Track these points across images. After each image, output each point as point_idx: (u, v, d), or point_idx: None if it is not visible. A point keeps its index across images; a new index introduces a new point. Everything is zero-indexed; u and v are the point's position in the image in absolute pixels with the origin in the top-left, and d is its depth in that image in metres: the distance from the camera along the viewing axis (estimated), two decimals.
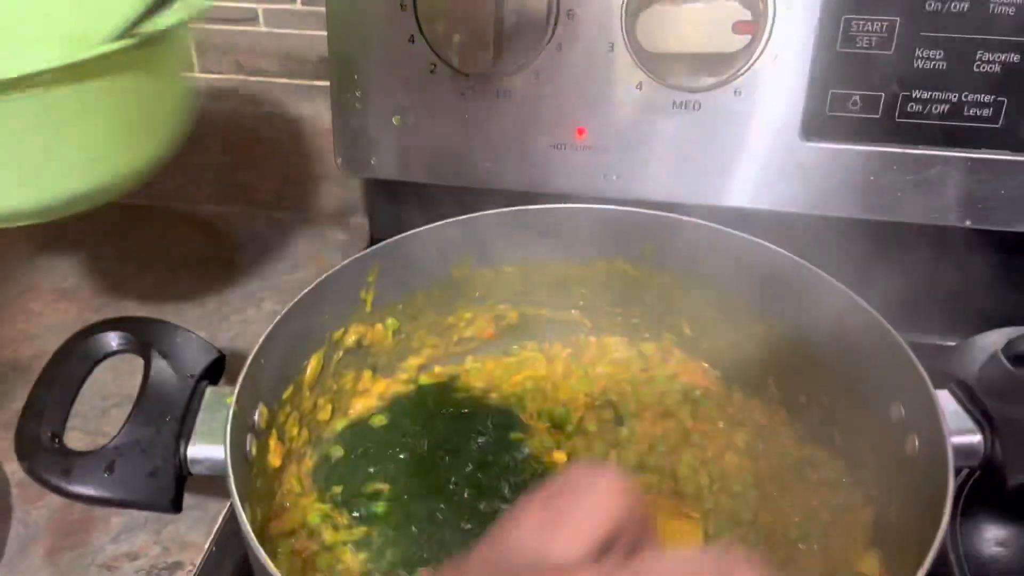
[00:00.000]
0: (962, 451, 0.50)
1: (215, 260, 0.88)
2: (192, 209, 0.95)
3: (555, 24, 0.62)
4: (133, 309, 0.81)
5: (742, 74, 0.61)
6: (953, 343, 0.57)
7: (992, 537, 0.59)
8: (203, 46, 0.88)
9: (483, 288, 0.67)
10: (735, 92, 0.62)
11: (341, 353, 0.62)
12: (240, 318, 0.80)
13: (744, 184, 0.64)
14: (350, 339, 0.62)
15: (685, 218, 0.62)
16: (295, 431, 0.59)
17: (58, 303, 0.83)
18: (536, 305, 0.69)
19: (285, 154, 0.90)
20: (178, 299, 0.83)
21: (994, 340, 0.54)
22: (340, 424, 0.63)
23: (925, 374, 0.50)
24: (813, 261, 0.58)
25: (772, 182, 0.64)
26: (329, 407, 0.62)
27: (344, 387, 0.63)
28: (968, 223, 0.63)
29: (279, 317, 0.54)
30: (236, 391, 0.50)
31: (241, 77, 0.89)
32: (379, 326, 0.64)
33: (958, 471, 0.51)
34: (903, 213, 0.63)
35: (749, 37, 0.57)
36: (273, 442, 0.55)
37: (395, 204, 0.76)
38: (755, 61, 0.61)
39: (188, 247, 0.90)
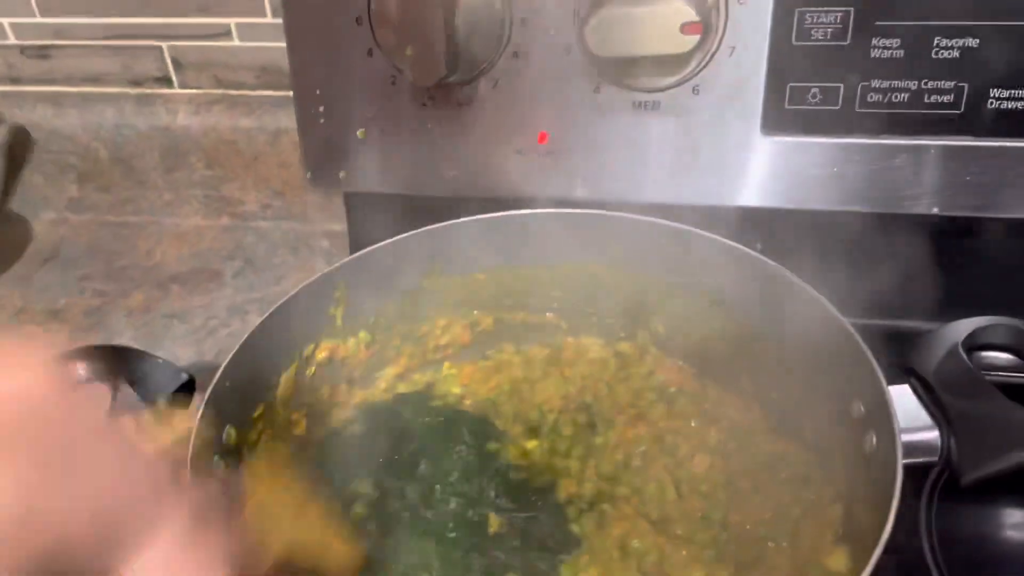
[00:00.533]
0: (920, 448, 0.50)
1: (202, 274, 0.89)
2: (180, 224, 0.96)
3: (509, 32, 0.62)
4: (122, 329, 0.82)
5: (699, 72, 0.61)
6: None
7: (966, 525, 0.59)
8: (180, 63, 0.89)
9: (456, 295, 0.67)
10: (693, 90, 0.62)
11: (314, 369, 0.62)
12: (227, 331, 0.81)
13: (708, 182, 0.64)
14: (321, 355, 0.63)
15: (649, 219, 0.62)
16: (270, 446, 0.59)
17: (51, 323, 0.84)
18: (511, 309, 0.69)
19: (268, 165, 0.91)
20: (167, 315, 0.84)
21: (957, 332, 0.54)
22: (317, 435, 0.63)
23: (879, 371, 0.49)
24: (779, 255, 0.58)
25: (735, 178, 0.64)
26: (303, 422, 0.62)
27: (320, 400, 0.64)
28: (936, 210, 0.62)
29: (241, 342, 0.54)
30: (198, 417, 0.50)
31: (220, 91, 0.90)
32: (351, 340, 0.64)
33: (924, 467, 0.51)
34: (868, 203, 0.63)
35: (698, 37, 0.57)
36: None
37: (371, 214, 0.76)
38: (711, 58, 0.60)
39: (176, 262, 0.91)
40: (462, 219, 0.62)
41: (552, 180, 0.66)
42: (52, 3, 0.89)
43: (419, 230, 0.62)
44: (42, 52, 0.92)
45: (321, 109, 0.68)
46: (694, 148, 0.63)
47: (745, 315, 0.61)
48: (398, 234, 0.62)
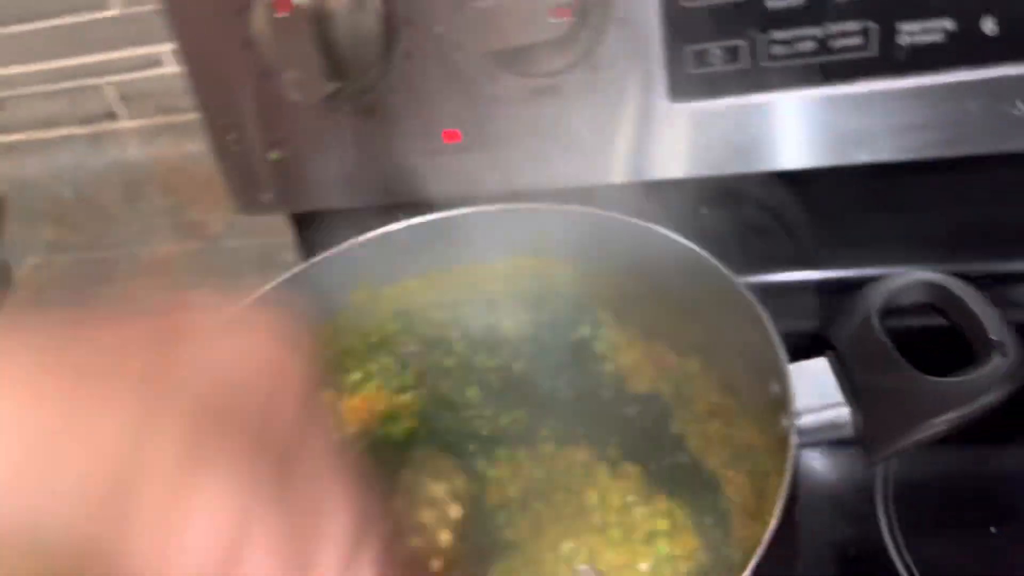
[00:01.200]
0: (834, 425, 0.48)
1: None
2: (153, 251, 0.97)
3: (397, 34, 0.60)
4: None
5: (593, 49, 0.58)
6: None
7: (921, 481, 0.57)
8: (125, 95, 0.89)
9: (392, 304, 0.66)
10: (591, 68, 0.59)
11: None
12: None
13: (621, 158, 0.61)
14: None
15: (567, 207, 0.60)
16: None
17: None
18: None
19: (222, 185, 0.90)
20: None
21: (873, 297, 0.51)
22: None
23: (780, 347, 0.47)
24: (699, 226, 0.56)
25: (651, 151, 0.61)
26: None
27: None
28: (863, 158, 0.59)
29: None
30: None
31: (164, 119, 0.90)
32: None
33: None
34: (787, 160, 0.59)
35: (568, 20, 0.54)
36: None
37: (311, 231, 0.76)
38: (602, 34, 0.57)
39: (149, 290, 0.92)
40: (365, 235, 0.61)
41: (469, 176, 0.65)
42: None
43: (328, 252, 0.61)
44: None
45: (233, 136, 0.67)
46: (603, 126, 0.61)
47: (677, 297, 0.59)
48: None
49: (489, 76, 0.60)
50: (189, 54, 0.64)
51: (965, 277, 0.50)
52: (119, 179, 0.92)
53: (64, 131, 0.94)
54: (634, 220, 0.57)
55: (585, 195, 0.61)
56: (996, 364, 0.44)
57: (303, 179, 0.68)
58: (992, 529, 0.55)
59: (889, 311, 0.51)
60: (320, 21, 0.56)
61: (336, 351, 0.65)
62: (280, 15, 0.56)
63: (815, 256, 0.70)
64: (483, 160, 0.64)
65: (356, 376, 0.65)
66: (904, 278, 0.51)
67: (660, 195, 0.61)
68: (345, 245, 0.60)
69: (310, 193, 0.68)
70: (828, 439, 0.48)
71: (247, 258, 0.92)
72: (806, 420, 0.48)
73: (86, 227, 0.97)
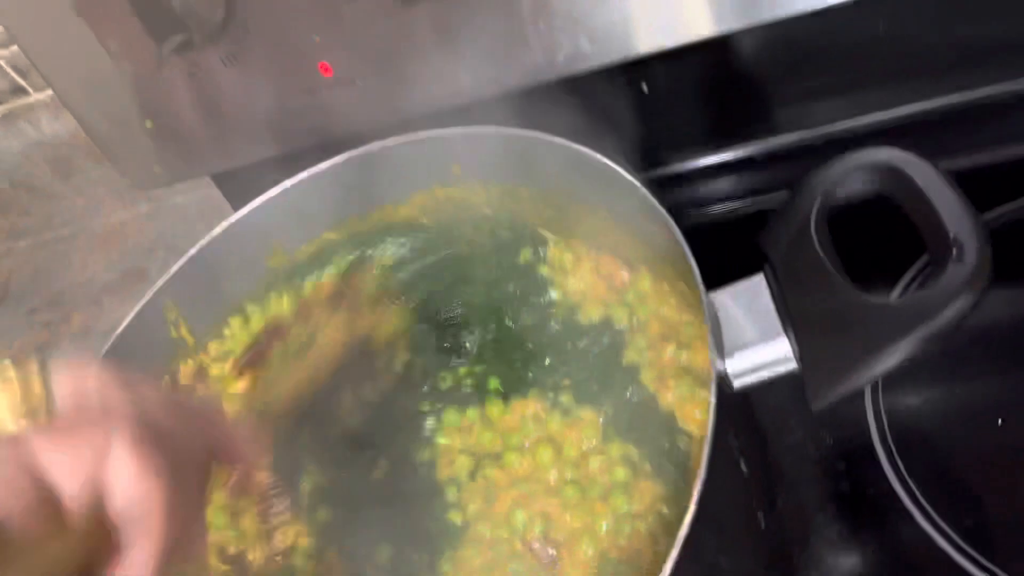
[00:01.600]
0: (777, 360, 0.41)
1: (130, 277, 0.86)
2: (106, 221, 0.92)
3: None
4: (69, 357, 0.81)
5: None
6: None
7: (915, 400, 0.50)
8: (21, 70, 0.83)
9: (315, 261, 0.60)
10: None
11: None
12: None
13: (512, 61, 0.53)
14: (187, 378, 0.58)
15: (478, 129, 0.52)
16: None
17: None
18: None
19: None
20: (104, 333, 0.81)
21: (810, 197, 0.42)
22: None
23: (697, 273, 0.40)
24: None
25: (529, 50, 0.52)
26: None
27: None
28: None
29: None
30: None
31: None
32: (213, 343, 0.59)
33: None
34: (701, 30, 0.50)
35: None
36: None
37: (235, 185, 0.69)
38: None
39: (106, 270, 0.89)
40: (263, 197, 0.55)
41: (355, 106, 0.57)
42: None
43: (232, 218, 0.56)
44: None
45: (101, 113, 0.60)
46: (490, 27, 0.52)
47: (602, 209, 0.51)
48: None
49: None
50: (15, 27, 0.57)
51: None
52: (43, 158, 0.87)
53: None
54: (541, 134, 0.49)
55: (482, 108, 0.53)
56: (951, 273, 0.36)
57: (185, 143, 0.61)
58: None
59: (838, 207, 0.42)
60: None
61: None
62: None
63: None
64: (365, 88, 0.56)
65: None
66: (845, 162, 0.42)
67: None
68: (224, 225, 0.55)
69: (198, 159, 0.61)
70: (769, 377, 0.41)
71: (196, 213, 0.87)
72: (739, 360, 0.41)
73: (33, 211, 0.93)
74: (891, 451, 0.48)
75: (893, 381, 0.51)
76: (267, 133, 0.60)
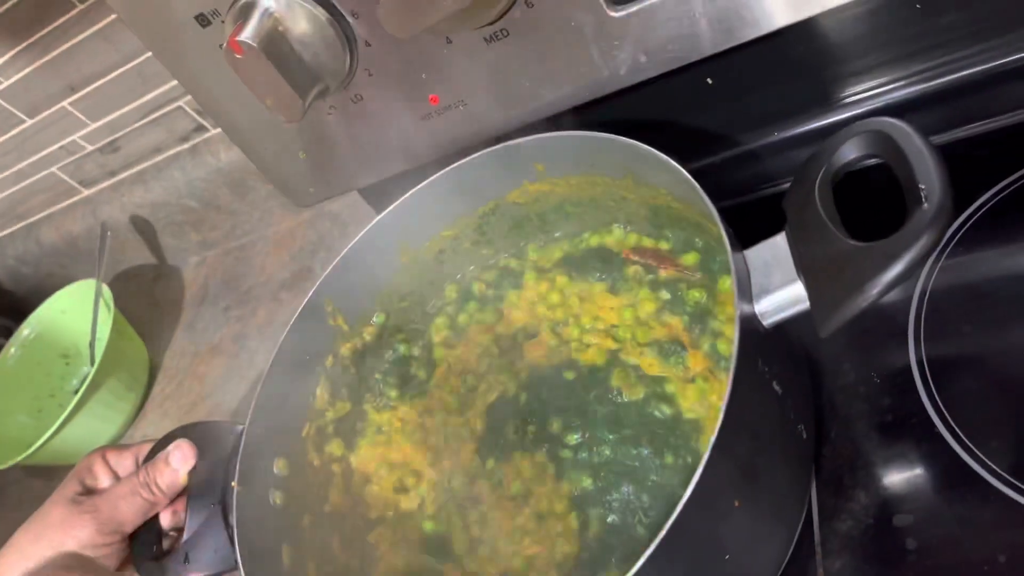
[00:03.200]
0: (795, 299, 0.49)
1: (300, 275, 1.01)
2: (276, 230, 1.08)
3: (352, 31, 0.64)
4: (256, 346, 0.97)
5: None
6: None
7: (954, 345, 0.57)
8: (198, 109, 0.99)
9: (445, 260, 0.74)
10: (527, 4, 0.60)
11: (348, 365, 0.71)
12: None
13: (588, 76, 0.63)
14: (345, 358, 0.71)
15: (566, 133, 0.63)
16: (335, 446, 0.70)
17: (213, 359, 1.01)
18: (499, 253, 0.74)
19: None
20: (283, 323, 0.97)
21: (817, 164, 0.50)
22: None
23: (725, 235, 0.50)
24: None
25: (610, 64, 0.62)
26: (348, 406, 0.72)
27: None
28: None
29: (257, 394, 0.64)
30: (237, 470, 0.62)
31: None
32: (367, 329, 0.72)
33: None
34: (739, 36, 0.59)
35: None
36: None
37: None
38: None
39: (280, 269, 1.04)
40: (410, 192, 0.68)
41: (461, 128, 0.69)
42: (91, 109, 1.02)
43: (375, 221, 0.69)
44: (113, 146, 1.07)
45: (265, 148, 0.74)
46: (561, 53, 0.62)
47: (641, 191, 0.62)
48: None
49: (442, 41, 0.63)
50: (190, 87, 0.72)
51: None
52: (224, 181, 1.03)
53: (171, 152, 1.05)
54: (599, 133, 0.60)
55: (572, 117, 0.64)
56: (916, 216, 0.43)
57: (330, 169, 0.74)
58: None
59: (844, 172, 0.51)
60: (275, 50, 0.61)
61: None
62: (239, 57, 0.62)
63: None
64: (468, 111, 0.67)
65: None
66: (844, 133, 0.50)
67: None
68: (368, 228, 0.68)
69: (343, 179, 0.75)
70: (791, 315, 0.50)
71: (348, 217, 1.02)
72: (766, 302, 0.50)
73: (219, 225, 1.10)
74: (928, 380, 0.55)
75: (934, 328, 0.58)
76: (394, 153, 0.72)
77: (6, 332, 1.18)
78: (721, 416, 0.43)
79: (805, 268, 0.49)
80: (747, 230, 0.53)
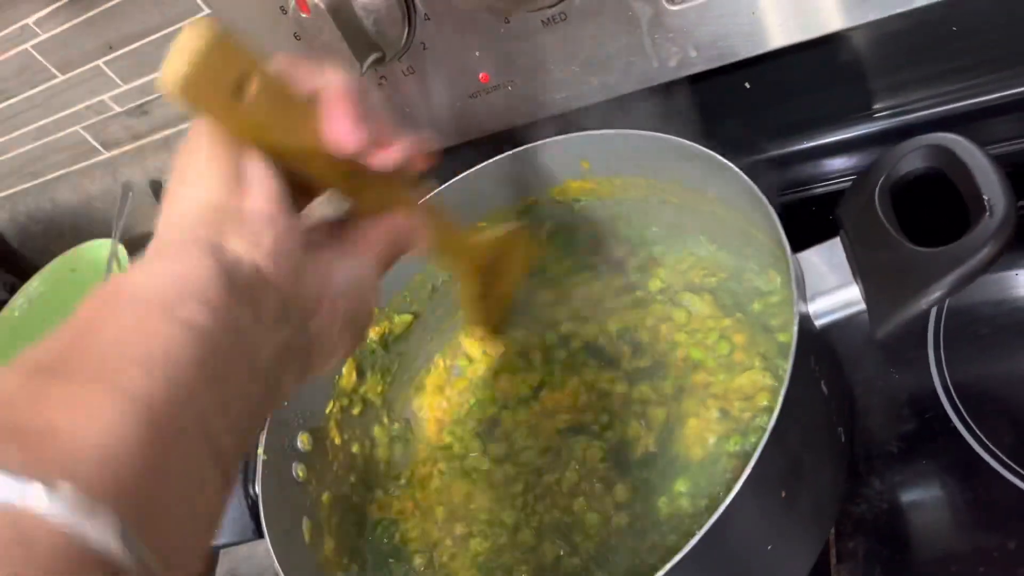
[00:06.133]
0: (849, 303, 0.49)
1: None
2: None
3: (412, 3, 0.62)
4: None
5: None
6: None
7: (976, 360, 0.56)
8: None
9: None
10: None
11: (373, 347, 0.69)
12: None
13: (640, 66, 0.62)
14: (373, 341, 0.69)
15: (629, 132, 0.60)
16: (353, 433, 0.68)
17: None
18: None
19: None
20: None
21: (877, 173, 0.50)
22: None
23: (783, 237, 0.48)
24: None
25: (664, 54, 0.61)
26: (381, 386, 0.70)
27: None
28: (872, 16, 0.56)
29: None
30: (262, 445, 0.59)
31: None
32: (397, 317, 0.70)
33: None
34: (789, 36, 0.58)
35: None
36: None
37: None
38: None
39: None
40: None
41: (510, 108, 0.67)
42: (125, 71, 0.99)
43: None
44: (142, 109, 1.04)
45: None
46: (615, 40, 0.61)
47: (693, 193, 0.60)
48: None
49: (500, 20, 0.62)
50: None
51: None
52: None
53: None
54: (650, 132, 0.58)
55: (620, 105, 0.63)
56: (982, 225, 0.43)
57: None
58: None
59: (902, 182, 0.50)
60: (340, 13, 0.60)
61: None
62: (304, 16, 0.60)
63: None
64: (517, 93, 0.66)
65: None
66: (905, 145, 0.50)
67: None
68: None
69: None
70: (844, 316, 0.49)
71: None
72: (820, 303, 0.49)
73: None
74: (948, 385, 0.55)
75: (952, 334, 0.57)
76: (439, 128, 0.71)
77: (10, 288, 1.14)
78: (779, 405, 0.43)
79: (862, 271, 0.48)
80: None
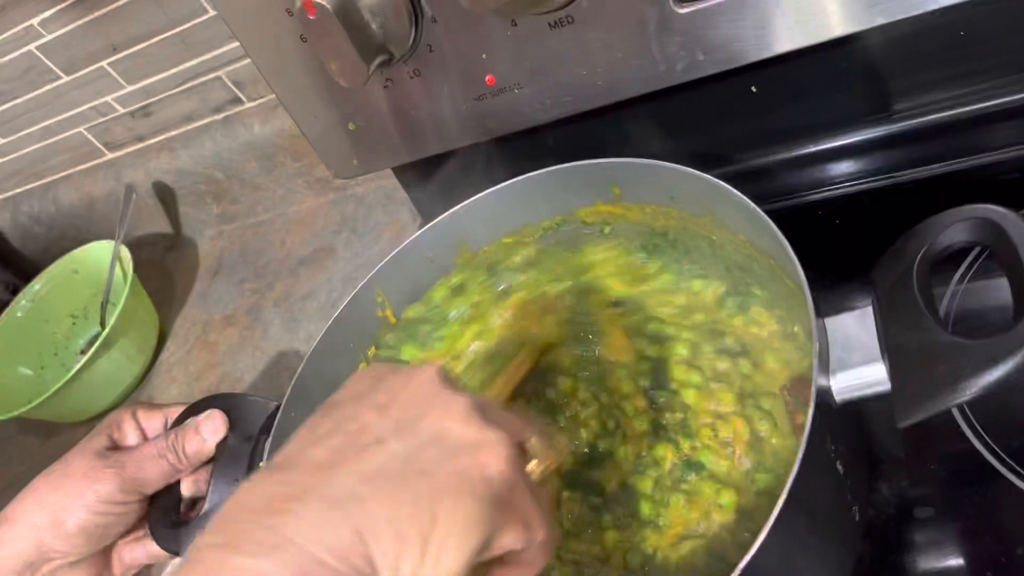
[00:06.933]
0: (876, 380, 0.45)
1: (321, 252, 0.98)
2: (299, 209, 1.05)
3: (419, 4, 0.62)
4: (271, 318, 0.94)
5: None
6: None
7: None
8: (237, 82, 0.96)
9: (491, 259, 0.70)
10: None
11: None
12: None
13: (646, 71, 0.61)
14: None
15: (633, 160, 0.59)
16: None
17: (226, 329, 0.98)
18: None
19: None
20: (300, 298, 0.94)
21: (919, 241, 0.45)
22: None
23: (811, 301, 0.45)
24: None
25: (670, 58, 0.60)
26: None
27: None
28: (880, 21, 0.56)
29: (296, 375, 0.61)
30: (267, 451, 0.58)
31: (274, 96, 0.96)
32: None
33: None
34: (797, 40, 0.57)
35: None
36: None
37: (415, 178, 0.81)
38: None
39: (302, 247, 1.01)
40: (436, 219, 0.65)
41: (515, 112, 0.67)
42: (129, 72, 0.98)
43: (430, 225, 0.66)
44: (146, 111, 1.03)
45: (314, 117, 0.72)
46: (622, 43, 0.61)
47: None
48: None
49: (506, 24, 0.61)
50: (252, 50, 0.69)
51: None
52: (253, 156, 1.00)
53: (202, 122, 1.02)
54: (686, 168, 0.56)
55: (618, 110, 0.62)
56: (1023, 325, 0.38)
57: (380, 141, 0.72)
58: None
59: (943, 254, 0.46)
60: (346, 15, 0.59)
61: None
62: (311, 17, 0.59)
63: None
64: (522, 96, 0.65)
65: None
66: (950, 215, 0.45)
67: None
68: (424, 229, 0.65)
69: (387, 152, 0.73)
70: (866, 395, 0.45)
71: (373, 200, 0.99)
72: (842, 378, 0.45)
73: (241, 199, 1.07)
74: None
75: None
76: (442, 131, 0.70)
77: (12, 289, 1.14)
78: (784, 493, 0.39)
79: (891, 350, 0.44)
80: None
